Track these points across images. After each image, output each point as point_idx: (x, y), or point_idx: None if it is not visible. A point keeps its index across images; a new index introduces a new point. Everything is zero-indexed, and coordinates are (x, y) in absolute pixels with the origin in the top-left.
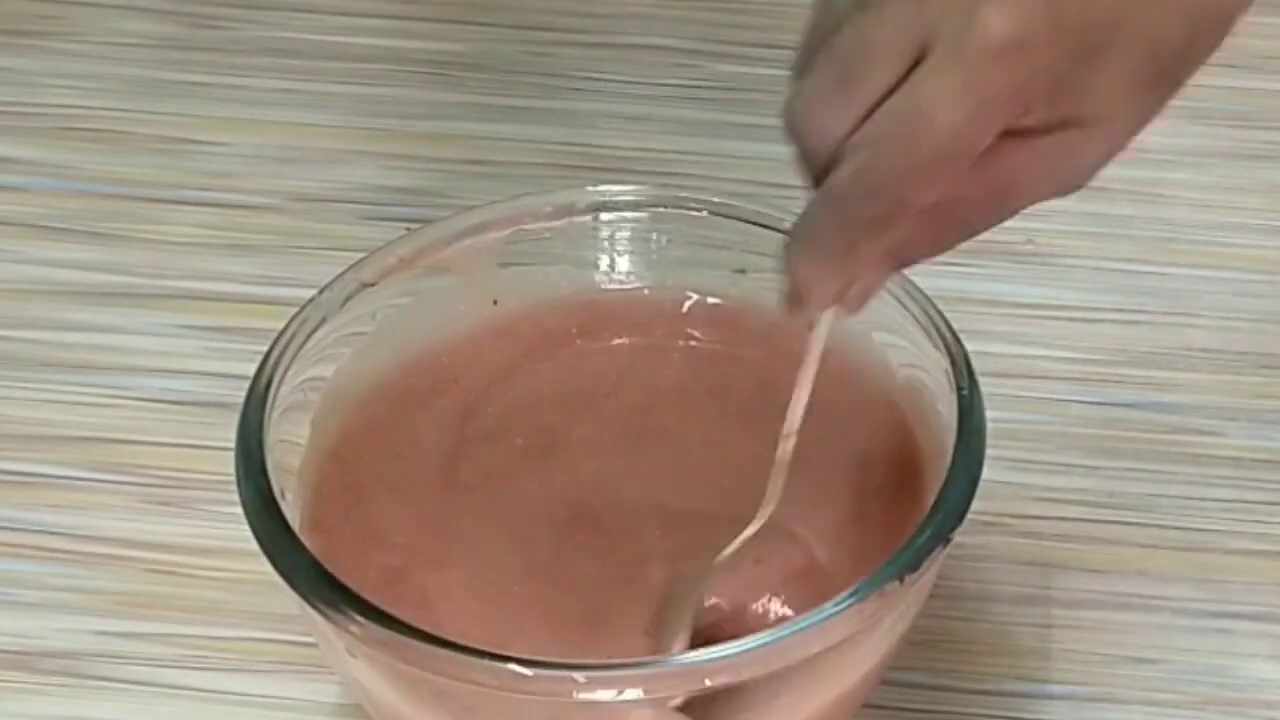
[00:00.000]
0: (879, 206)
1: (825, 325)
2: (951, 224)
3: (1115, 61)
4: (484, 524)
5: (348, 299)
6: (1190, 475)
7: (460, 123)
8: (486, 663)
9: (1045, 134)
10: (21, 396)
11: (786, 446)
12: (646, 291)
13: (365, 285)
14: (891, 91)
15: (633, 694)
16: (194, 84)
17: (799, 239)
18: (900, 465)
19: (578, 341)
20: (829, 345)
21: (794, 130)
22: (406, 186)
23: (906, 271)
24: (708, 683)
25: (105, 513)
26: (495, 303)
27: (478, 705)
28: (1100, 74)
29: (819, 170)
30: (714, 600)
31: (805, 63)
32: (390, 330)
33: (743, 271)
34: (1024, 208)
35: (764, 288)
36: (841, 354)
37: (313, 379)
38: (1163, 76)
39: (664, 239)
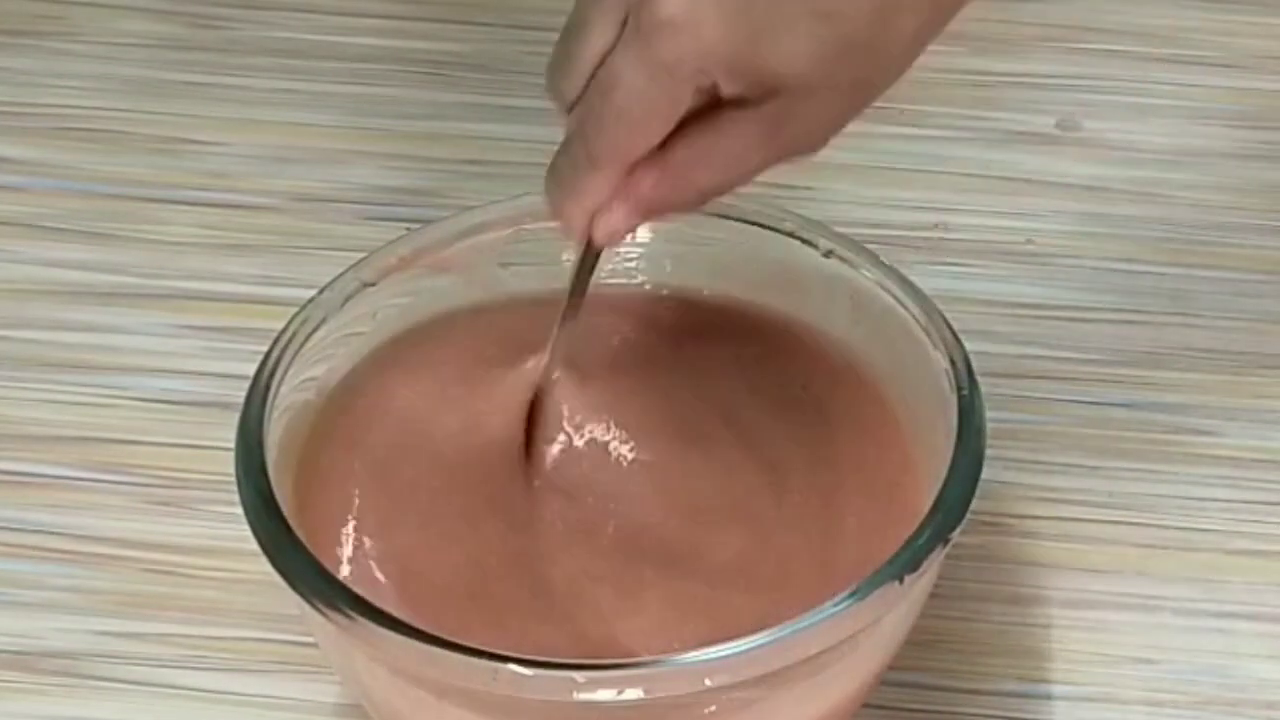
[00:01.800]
0: (592, 154)
1: (582, 257)
2: (684, 183)
3: (793, 37)
4: (486, 522)
5: (348, 299)
6: (1189, 475)
7: (460, 123)
8: (486, 663)
9: (758, 103)
10: (21, 396)
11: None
12: (646, 290)
13: (365, 285)
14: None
15: (633, 694)
16: (194, 84)
17: (550, 172)
18: (898, 466)
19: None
20: (831, 339)
21: (547, 89)
22: (406, 186)
23: (906, 271)
24: (708, 683)
25: (105, 513)
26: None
27: (477, 705)
28: (779, 48)
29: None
30: None
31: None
32: (390, 330)
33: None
34: (758, 171)
35: (764, 287)
36: (839, 353)
37: (313, 379)
38: (850, 49)
39: (663, 239)
